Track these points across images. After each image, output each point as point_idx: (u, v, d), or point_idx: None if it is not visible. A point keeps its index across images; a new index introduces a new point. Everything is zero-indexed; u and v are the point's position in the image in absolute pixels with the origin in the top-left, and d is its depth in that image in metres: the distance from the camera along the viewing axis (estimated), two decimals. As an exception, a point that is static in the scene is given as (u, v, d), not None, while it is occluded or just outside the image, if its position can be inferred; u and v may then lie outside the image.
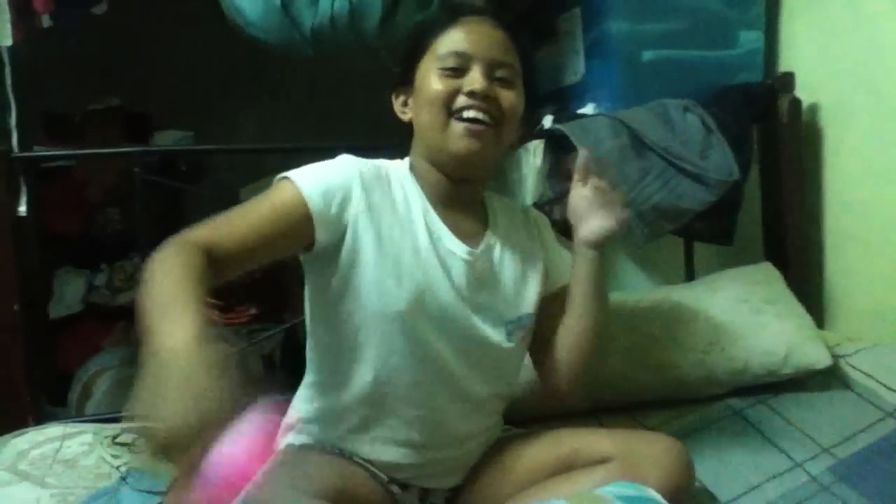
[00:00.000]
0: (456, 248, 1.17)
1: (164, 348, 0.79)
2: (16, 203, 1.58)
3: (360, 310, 1.12)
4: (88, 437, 1.41)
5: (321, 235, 1.08)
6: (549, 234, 1.34)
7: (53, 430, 1.45)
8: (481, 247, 1.20)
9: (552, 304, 1.27)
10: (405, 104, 1.22)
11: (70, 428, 1.47)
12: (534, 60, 2.24)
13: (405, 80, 1.20)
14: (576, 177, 1.26)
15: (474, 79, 1.12)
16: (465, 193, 1.21)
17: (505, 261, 1.22)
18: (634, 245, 1.83)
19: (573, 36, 1.97)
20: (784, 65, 2.01)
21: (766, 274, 1.76)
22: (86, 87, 2.60)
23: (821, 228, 1.93)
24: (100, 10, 1.83)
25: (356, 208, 1.11)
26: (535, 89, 2.20)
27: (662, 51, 1.89)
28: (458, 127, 1.12)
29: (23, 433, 1.44)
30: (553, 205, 1.81)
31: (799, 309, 1.67)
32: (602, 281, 1.25)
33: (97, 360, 2.22)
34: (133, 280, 2.47)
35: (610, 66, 1.89)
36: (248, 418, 0.80)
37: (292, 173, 1.10)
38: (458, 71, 1.13)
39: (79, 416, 1.95)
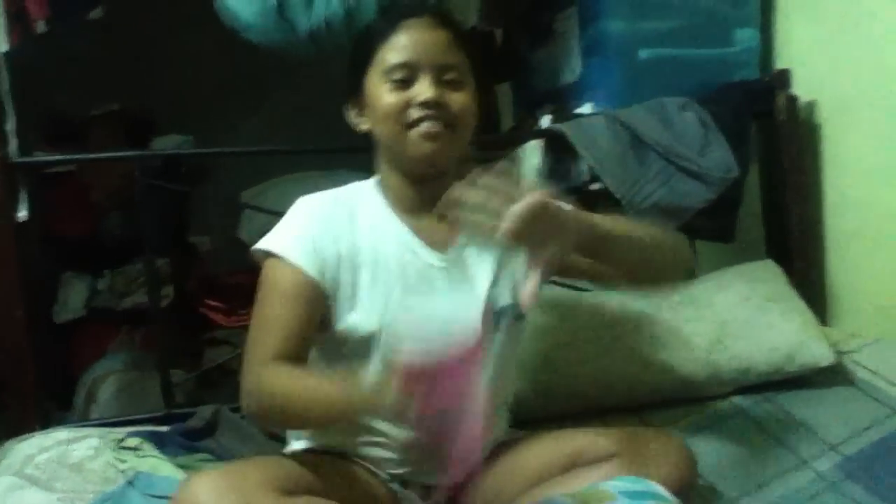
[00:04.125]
0: (429, 258, 1.19)
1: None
2: (16, 209, 1.58)
3: (350, 333, 1.16)
4: (95, 441, 1.41)
5: (328, 290, 1.15)
6: None
7: (59, 434, 1.44)
8: (457, 248, 1.20)
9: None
10: (360, 115, 1.23)
11: (76, 432, 1.47)
12: (493, 45, 2.25)
13: (355, 90, 1.21)
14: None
15: (423, 88, 1.13)
16: (435, 194, 1.19)
17: (483, 256, 1.22)
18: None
19: (570, 35, 1.97)
20: (781, 62, 2.01)
21: (768, 271, 1.76)
22: (87, 92, 2.60)
23: (822, 225, 1.93)
24: (96, 14, 1.84)
25: (333, 253, 1.15)
26: (491, 75, 2.20)
27: (659, 49, 1.90)
28: (415, 133, 1.14)
29: (29, 437, 1.43)
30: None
31: (802, 306, 1.67)
32: (602, 238, 1.11)
33: (101, 364, 2.22)
34: (136, 284, 2.48)
35: (607, 66, 1.90)
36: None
37: (277, 249, 1.14)
38: (407, 82, 1.14)
39: (84, 420, 1.95)
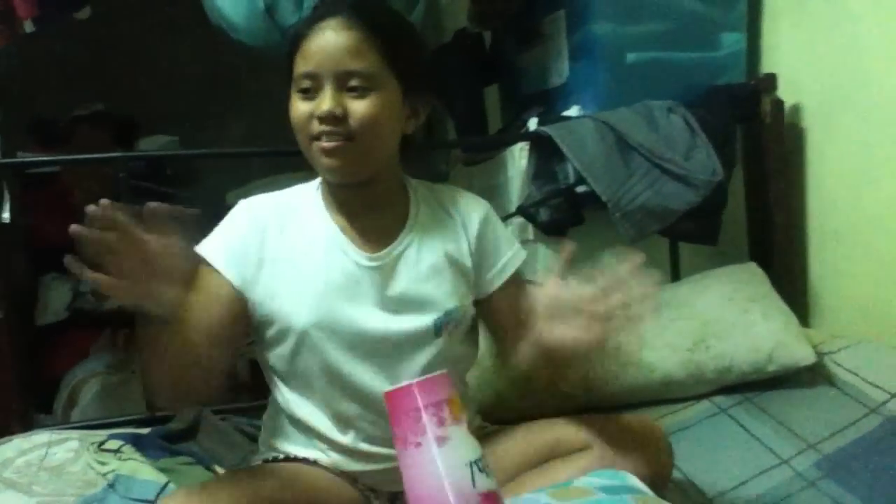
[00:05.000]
0: (360, 258, 1.17)
1: None
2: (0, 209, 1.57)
3: (278, 334, 1.16)
4: (75, 444, 1.40)
5: (249, 294, 1.14)
6: (493, 221, 1.28)
7: (39, 437, 1.43)
8: (392, 248, 1.18)
9: (503, 297, 1.23)
10: None
11: (56, 435, 1.45)
12: (482, 47, 2.24)
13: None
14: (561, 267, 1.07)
15: (322, 101, 1.10)
16: (369, 196, 1.19)
17: (424, 257, 1.20)
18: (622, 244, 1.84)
19: (558, 38, 1.98)
20: (767, 66, 2.02)
21: (751, 273, 1.77)
22: (71, 92, 2.59)
23: (805, 227, 1.95)
24: (83, 15, 1.82)
25: (256, 253, 1.15)
26: (479, 78, 2.20)
27: (646, 52, 1.90)
28: (316, 148, 1.12)
29: (8, 441, 1.42)
30: (539, 207, 1.82)
31: (784, 307, 1.68)
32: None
33: (83, 366, 2.21)
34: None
35: (594, 68, 1.90)
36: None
37: (203, 251, 1.14)
38: (312, 92, 1.11)
39: (65, 423, 1.93)
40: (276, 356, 1.18)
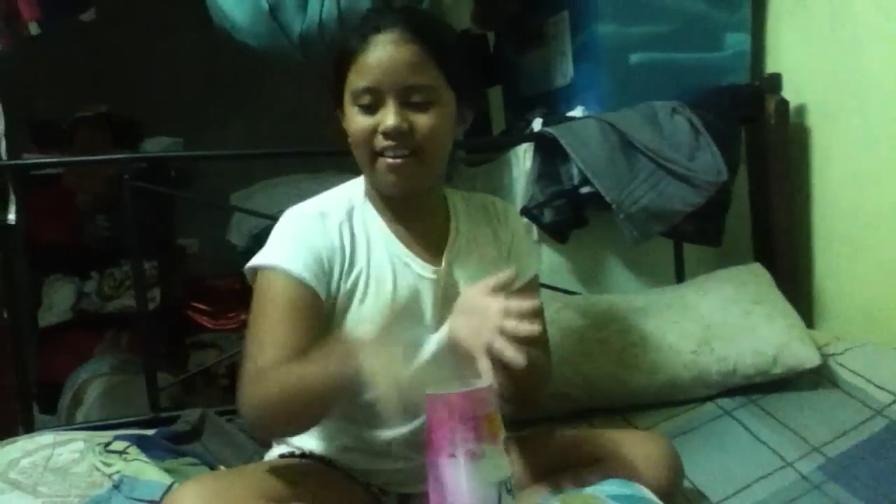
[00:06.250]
0: (421, 269, 1.17)
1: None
2: (4, 211, 1.57)
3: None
4: (80, 445, 1.40)
5: (325, 298, 1.12)
6: (517, 225, 1.32)
7: (44, 438, 1.43)
8: (445, 260, 1.19)
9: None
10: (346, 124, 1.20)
11: (61, 435, 1.45)
12: (486, 48, 2.23)
13: (339, 102, 1.17)
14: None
15: (386, 116, 1.09)
16: (420, 205, 1.20)
17: (470, 268, 1.21)
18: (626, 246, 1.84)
19: (561, 39, 1.97)
20: (771, 66, 2.02)
21: (755, 274, 1.76)
22: (74, 94, 2.59)
23: (809, 229, 1.94)
24: (88, 17, 1.83)
25: (331, 262, 1.13)
26: (482, 79, 2.20)
27: (650, 53, 1.90)
28: (381, 164, 1.12)
29: (13, 441, 1.42)
30: (543, 208, 1.82)
31: (788, 309, 1.68)
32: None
33: (87, 367, 2.21)
34: (123, 287, 2.47)
35: (598, 69, 1.90)
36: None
37: (273, 261, 1.11)
38: (373, 106, 1.10)
39: (69, 423, 1.94)
40: None
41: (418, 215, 1.19)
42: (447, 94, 1.13)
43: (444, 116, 1.13)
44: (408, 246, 1.18)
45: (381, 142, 1.10)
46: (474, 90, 1.22)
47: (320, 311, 1.11)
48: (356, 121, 1.12)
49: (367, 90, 1.10)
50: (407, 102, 1.10)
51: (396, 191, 1.15)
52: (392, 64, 1.09)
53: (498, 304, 0.97)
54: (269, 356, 1.05)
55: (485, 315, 0.97)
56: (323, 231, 1.14)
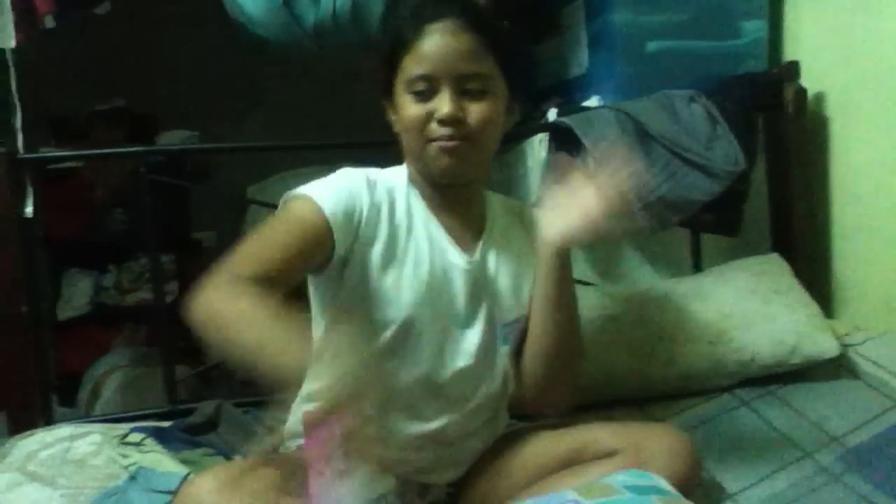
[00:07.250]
0: (456, 258, 1.18)
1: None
2: (22, 204, 1.58)
3: (365, 318, 1.14)
4: (97, 437, 1.41)
5: (340, 249, 1.11)
6: None
7: (62, 430, 1.44)
8: (478, 253, 1.20)
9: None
10: (394, 114, 1.20)
11: (79, 428, 1.47)
12: (525, 48, 2.24)
13: (388, 92, 1.19)
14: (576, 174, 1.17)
15: (442, 103, 1.10)
16: (462, 196, 1.21)
17: (501, 264, 1.22)
18: (642, 235, 1.83)
19: (577, 28, 1.96)
20: (788, 54, 2.00)
21: (773, 264, 1.75)
22: (91, 88, 2.61)
23: (828, 218, 1.92)
24: (103, 10, 1.83)
25: (366, 222, 1.13)
26: (527, 73, 2.20)
27: (666, 42, 1.88)
28: (433, 148, 1.13)
29: (32, 434, 1.44)
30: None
31: (807, 299, 1.66)
32: (565, 290, 1.20)
33: (106, 360, 2.23)
34: (141, 280, 2.48)
35: (614, 58, 1.89)
36: None
37: (306, 190, 1.11)
38: (428, 93, 1.12)
39: (88, 416, 1.95)
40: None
41: (458, 206, 1.20)
42: (501, 84, 1.15)
43: (497, 106, 1.15)
44: (448, 233, 1.19)
45: (434, 129, 1.11)
46: (524, 82, 1.22)
47: (322, 253, 1.10)
48: (410, 108, 1.13)
49: (423, 77, 1.11)
50: (462, 90, 1.11)
51: (447, 176, 1.15)
52: (449, 51, 1.11)
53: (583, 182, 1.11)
54: (244, 270, 1.01)
55: (578, 196, 1.11)
56: (367, 191, 1.15)
